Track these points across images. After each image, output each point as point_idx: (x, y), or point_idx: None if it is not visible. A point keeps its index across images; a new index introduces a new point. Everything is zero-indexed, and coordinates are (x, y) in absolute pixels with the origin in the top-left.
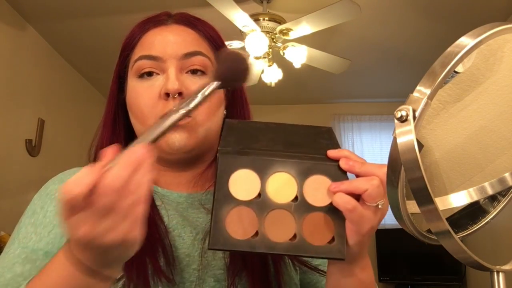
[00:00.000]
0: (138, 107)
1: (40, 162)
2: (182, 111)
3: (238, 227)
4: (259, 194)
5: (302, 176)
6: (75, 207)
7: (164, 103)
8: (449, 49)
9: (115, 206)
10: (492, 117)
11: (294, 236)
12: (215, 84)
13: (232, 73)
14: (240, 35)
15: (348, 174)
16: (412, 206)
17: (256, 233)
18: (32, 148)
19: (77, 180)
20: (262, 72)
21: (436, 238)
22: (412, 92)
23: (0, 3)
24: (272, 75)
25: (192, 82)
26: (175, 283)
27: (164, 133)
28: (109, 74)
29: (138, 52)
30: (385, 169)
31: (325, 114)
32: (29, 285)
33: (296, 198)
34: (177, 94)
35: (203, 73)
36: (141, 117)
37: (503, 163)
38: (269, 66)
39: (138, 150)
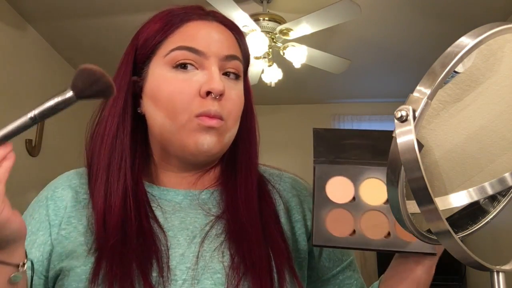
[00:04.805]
0: (171, 100)
1: (40, 162)
2: (30, 116)
3: (337, 226)
4: (354, 198)
5: None
6: None
7: (201, 101)
8: (449, 49)
9: None
10: (492, 117)
11: (388, 233)
12: (70, 93)
13: (89, 85)
14: None
15: None
16: (412, 206)
17: (354, 232)
18: (32, 148)
19: None
20: (262, 72)
21: (436, 238)
22: (412, 92)
23: (0, 3)
24: (272, 75)
25: (229, 86)
26: None
27: (6, 137)
28: (109, 74)
29: (177, 41)
30: None
31: (325, 114)
32: None
33: (387, 200)
34: (219, 95)
35: (238, 77)
36: (172, 111)
37: (503, 163)
38: (269, 66)
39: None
